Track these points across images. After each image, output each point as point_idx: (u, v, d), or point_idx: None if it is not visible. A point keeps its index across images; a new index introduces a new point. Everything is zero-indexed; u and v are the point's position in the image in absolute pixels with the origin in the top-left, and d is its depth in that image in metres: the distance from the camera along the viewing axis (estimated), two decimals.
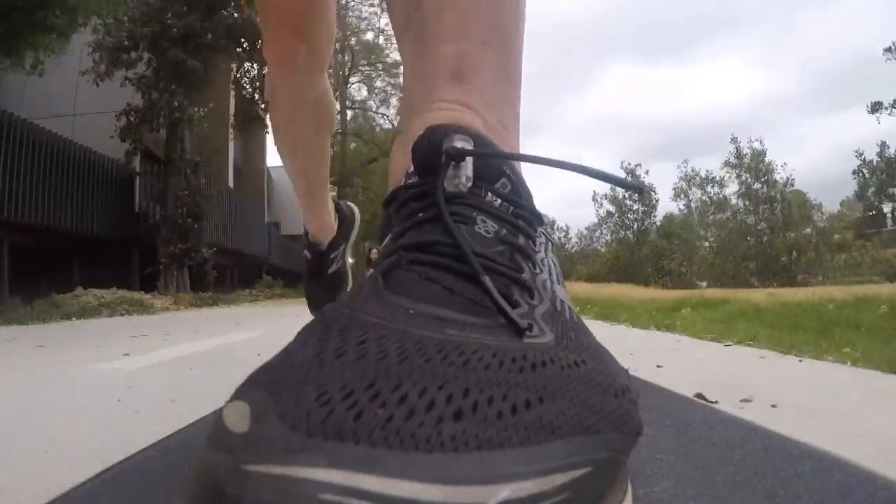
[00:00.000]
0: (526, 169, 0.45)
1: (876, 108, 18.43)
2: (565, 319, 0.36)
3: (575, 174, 0.39)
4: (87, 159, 8.93)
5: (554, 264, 0.42)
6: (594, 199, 31.24)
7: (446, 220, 0.36)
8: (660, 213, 28.28)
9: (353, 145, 19.36)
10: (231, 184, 13.73)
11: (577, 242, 35.18)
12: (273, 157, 19.09)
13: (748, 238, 19.90)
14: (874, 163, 20.26)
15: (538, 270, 0.39)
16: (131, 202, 10.29)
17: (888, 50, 18.45)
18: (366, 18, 19.12)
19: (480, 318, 0.32)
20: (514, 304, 0.34)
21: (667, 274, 20.10)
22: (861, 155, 22.12)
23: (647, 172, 30.49)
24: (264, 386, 0.24)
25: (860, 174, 20.76)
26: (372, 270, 0.38)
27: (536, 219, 0.43)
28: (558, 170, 0.38)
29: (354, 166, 18.18)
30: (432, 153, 0.40)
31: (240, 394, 0.24)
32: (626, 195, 26.54)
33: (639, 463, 0.48)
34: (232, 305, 8.90)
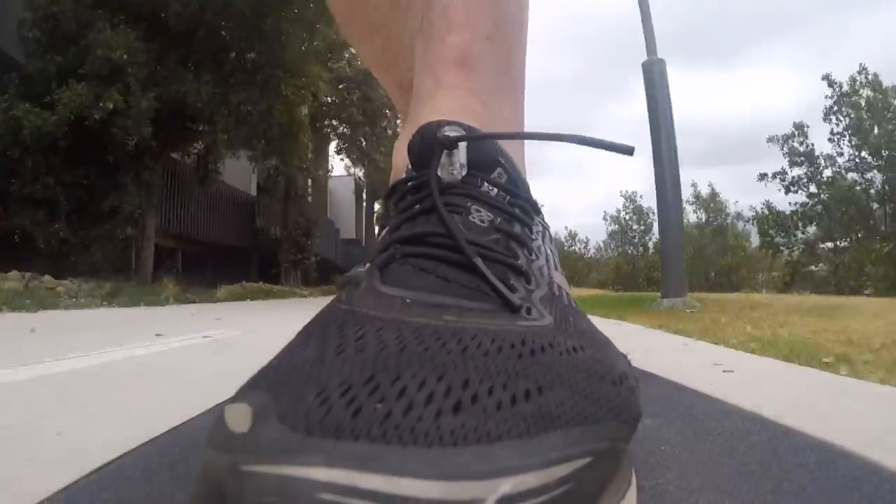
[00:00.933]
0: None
1: (762, 177, 17.42)
2: (563, 304, 0.29)
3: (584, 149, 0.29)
4: (224, 190, 10.20)
5: (551, 252, 0.35)
6: (604, 219, 29.34)
7: (440, 210, 0.29)
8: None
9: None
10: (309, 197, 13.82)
11: (594, 253, 33.85)
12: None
13: (703, 259, 19.51)
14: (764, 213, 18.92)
15: (534, 257, 0.32)
16: (252, 220, 11.49)
17: (770, 140, 17.31)
18: None
19: (477, 302, 0.26)
20: (512, 289, 0.27)
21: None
22: (754, 207, 20.73)
23: (640, 196, 28.99)
24: (266, 388, 0.19)
25: (753, 223, 19.53)
26: (368, 264, 0.31)
27: (533, 208, 0.35)
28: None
29: None
30: (425, 147, 0.33)
31: (242, 395, 0.20)
32: (627, 218, 24.98)
33: (643, 454, 0.39)
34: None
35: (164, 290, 5.17)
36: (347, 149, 13.36)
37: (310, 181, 12.17)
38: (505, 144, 0.35)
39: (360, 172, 15.21)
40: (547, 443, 0.18)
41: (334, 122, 12.39)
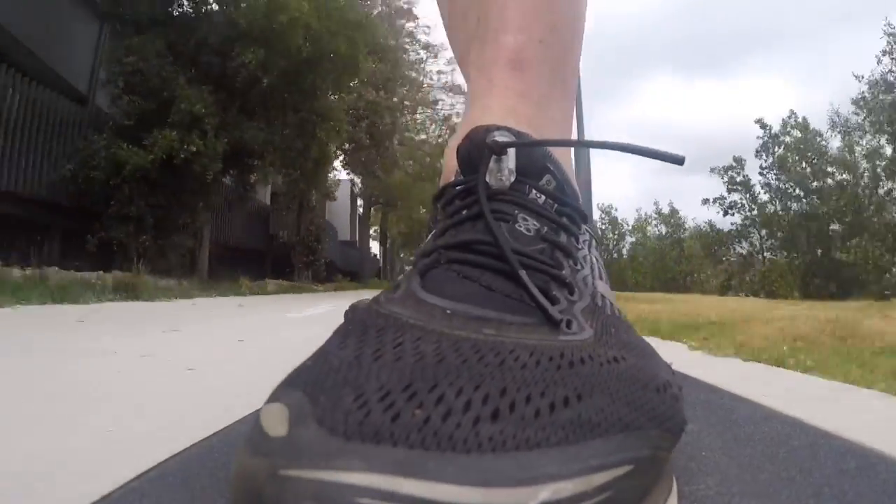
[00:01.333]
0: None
1: (705, 201, 16.77)
2: (606, 315, 0.24)
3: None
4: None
5: (597, 260, 0.28)
6: None
7: (487, 219, 0.24)
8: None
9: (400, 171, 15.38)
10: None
11: None
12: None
13: (664, 266, 19.08)
14: (706, 230, 18.35)
15: (579, 267, 0.26)
16: (267, 226, 10.74)
17: (713, 170, 16.56)
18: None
19: (518, 315, 0.21)
20: (554, 301, 0.22)
21: (621, 284, 19.07)
22: (698, 224, 20.02)
23: (616, 209, 25.91)
24: (302, 388, 0.16)
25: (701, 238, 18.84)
26: (410, 268, 0.25)
27: (580, 216, 0.28)
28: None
29: (400, 192, 15.28)
30: (474, 151, 0.26)
31: (278, 396, 0.16)
32: (604, 228, 22.28)
33: (683, 460, 0.31)
34: (349, 290, 9.52)
35: (242, 286, 5.68)
36: (351, 164, 13.12)
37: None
38: (554, 150, 0.28)
39: (357, 179, 14.62)
40: (587, 450, 0.15)
41: (345, 145, 12.08)
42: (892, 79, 12.09)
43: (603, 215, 22.55)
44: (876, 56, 12.47)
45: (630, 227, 22.02)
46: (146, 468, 0.30)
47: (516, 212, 0.25)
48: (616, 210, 24.49)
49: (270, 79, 6.04)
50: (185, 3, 6.14)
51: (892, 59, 12.13)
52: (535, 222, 0.25)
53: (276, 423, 0.15)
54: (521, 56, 0.30)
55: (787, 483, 0.28)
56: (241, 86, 5.96)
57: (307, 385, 0.16)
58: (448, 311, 0.20)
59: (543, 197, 0.26)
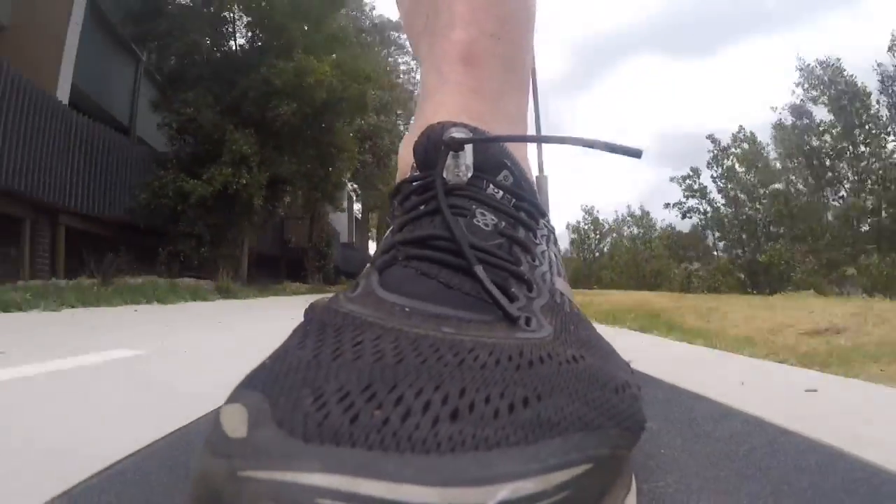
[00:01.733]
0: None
1: (667, 206, 16.09)
2: (565, 312, 0.20)
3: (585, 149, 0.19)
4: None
5: (555, 256, 0.24)
6: (567, 228, 22.16)
7: (445, 213, 0.20)
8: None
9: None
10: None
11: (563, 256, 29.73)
12: None
13: (636, 265, 18.48)
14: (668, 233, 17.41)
15: (537, 263, 0.21)
16: (281, 234, 10.38)
17: (672, 179, 15.48)
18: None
19: (477, 313, 0.17)
20: (512, 298, 0.18)
21: (599, 282, 18.60)
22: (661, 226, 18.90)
23: (598, 211, 22.90)
24: (261, 389, 0.13)
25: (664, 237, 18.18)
26: (368, 265, 0.21)
27: (538, 211, 0.24)
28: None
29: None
30: (431, 148, 0.22)
31: (237, 397, 0.14)
32: (586, 228, 20.09)
33: (642, 458, 0.26)
34: None
35: (287, 288, 5.83)
36: (354, 178, 12.82)
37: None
38: (510, 145, 0.24)
39: (355, 186, 14.07)
40: (546, 449, 0.13)
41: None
42: (803, 104, 12.03)
43: (585, 216, 20.75)
44: (790, 88, 12.39)
45: (609, 227, 20.95)
46: (105, 466, 0.25)
47: (474, 206, 0.21)
48: (598, 212, 22.48)
49: (298, 122, 6.30)
50: (215, 49, 6.52)
51: (805, 90, 12.05)
52: (493, 217, 0.21)
53: (236, 425, 0.12)
54: (471, 51, 0.26)
55: (746, 480, 0.23)
56: (275, 129, 6.22)
57: (266, 386, 0.13)
58: (407, 310, 0.17)
59: (501, 192, 0.22)
